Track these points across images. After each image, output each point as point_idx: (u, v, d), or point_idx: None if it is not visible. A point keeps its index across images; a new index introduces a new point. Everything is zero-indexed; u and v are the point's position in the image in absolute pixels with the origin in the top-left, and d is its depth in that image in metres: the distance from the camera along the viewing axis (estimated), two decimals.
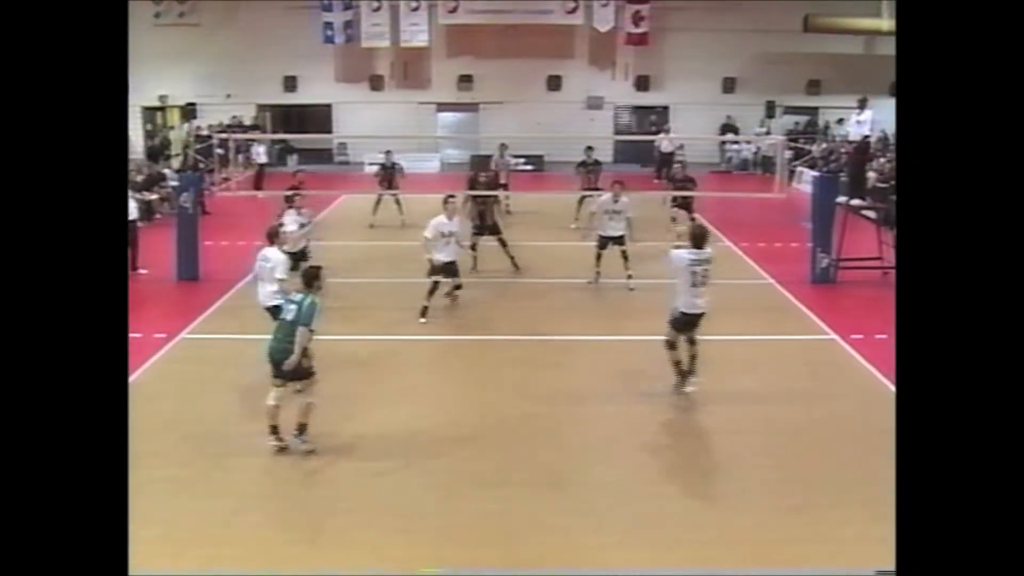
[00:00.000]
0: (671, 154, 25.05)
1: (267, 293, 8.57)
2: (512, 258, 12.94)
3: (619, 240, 12.15)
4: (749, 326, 10.52)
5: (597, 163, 17.09)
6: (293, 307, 6.88)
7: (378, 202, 16.69)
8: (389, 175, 16.74)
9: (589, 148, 17.16)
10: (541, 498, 6.30)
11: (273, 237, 8.67)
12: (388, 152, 17.07)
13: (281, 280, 8.39)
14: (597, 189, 15.21)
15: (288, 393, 6.92)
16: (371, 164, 24.22)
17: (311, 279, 6.96)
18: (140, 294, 11.12)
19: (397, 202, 16.58)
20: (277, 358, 6.84)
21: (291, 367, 6.77)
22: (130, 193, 13.65)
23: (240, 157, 22.36)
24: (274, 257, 8.51)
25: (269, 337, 6.97)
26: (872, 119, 13.47)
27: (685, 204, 14.31)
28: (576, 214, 15.89)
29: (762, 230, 15.96)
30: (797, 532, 5.85)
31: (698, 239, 7.93)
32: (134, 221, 13.54)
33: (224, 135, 21.03)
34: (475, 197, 13.12)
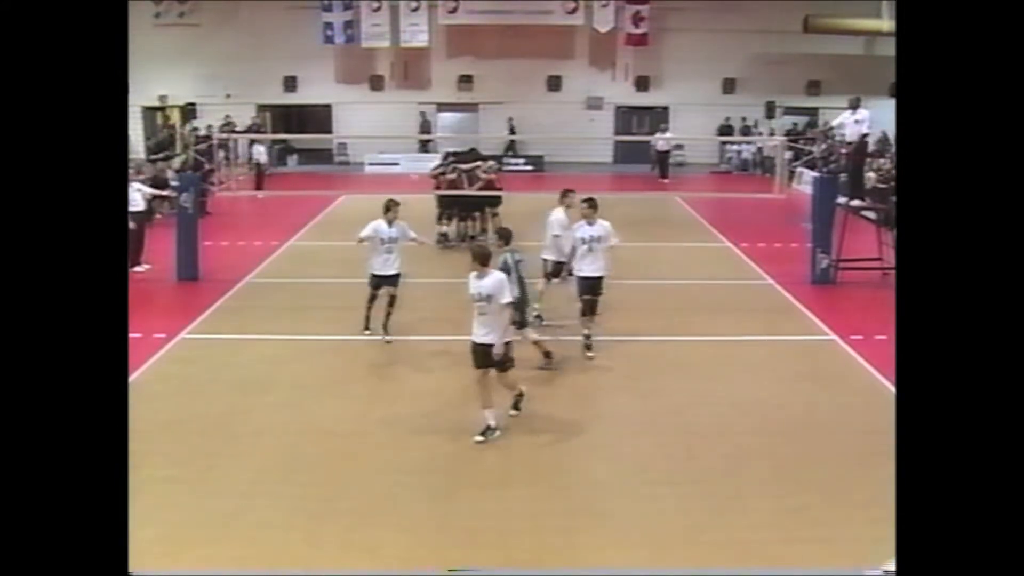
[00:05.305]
0: (667, 152, 25.16)
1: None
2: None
3: None
4: (749, 326, 10.54)
5: None
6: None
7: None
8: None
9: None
10: (541, 498, 6.31)
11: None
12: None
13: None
14: None
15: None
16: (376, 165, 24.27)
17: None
18: (140, 294, 11.12)
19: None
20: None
21: None
22: (140, 186, 13.68)
23: (246, 150, 22.34)
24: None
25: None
26: (868, 118, 13.37)
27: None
28: None
29: (762, 231, 15.96)
30: (797, 532, 5.85)
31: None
32: (143, 212, 13.56)
33: (224, 135, 21.05)
34: None
